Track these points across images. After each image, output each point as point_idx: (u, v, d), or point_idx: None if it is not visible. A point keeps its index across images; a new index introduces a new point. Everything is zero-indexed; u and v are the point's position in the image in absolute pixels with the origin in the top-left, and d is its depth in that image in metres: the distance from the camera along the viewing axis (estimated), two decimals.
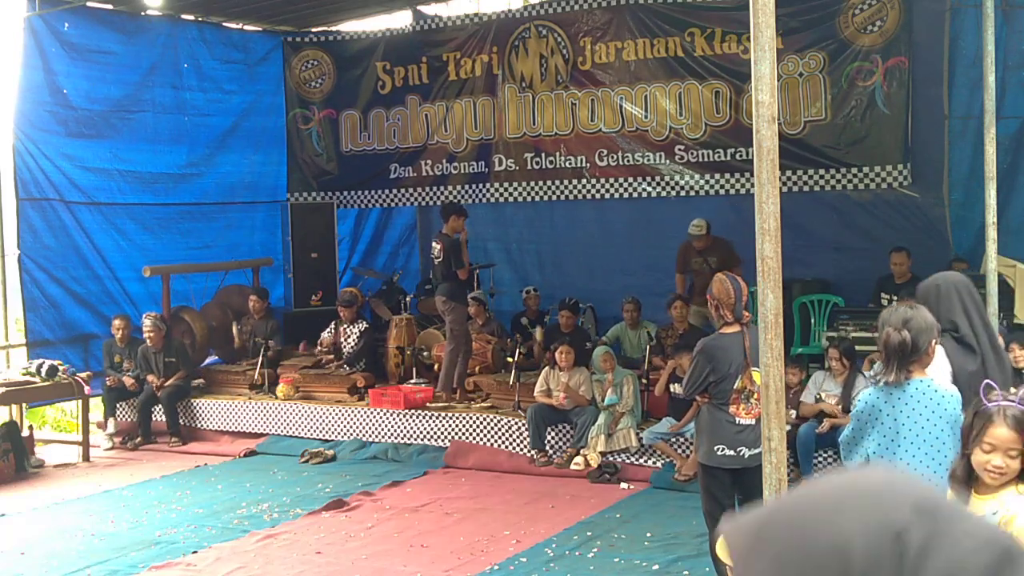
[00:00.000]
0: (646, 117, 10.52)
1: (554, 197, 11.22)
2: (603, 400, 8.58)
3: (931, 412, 3.76)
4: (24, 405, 10.13)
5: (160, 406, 10.32)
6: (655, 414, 8.73)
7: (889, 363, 3.82)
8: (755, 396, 5.25)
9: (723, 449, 5.31)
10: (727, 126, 10.16)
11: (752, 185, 3.01)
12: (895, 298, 8.96)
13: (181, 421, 10.31)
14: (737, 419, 5.30)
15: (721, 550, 3.82)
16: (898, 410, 3.79)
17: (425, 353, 10.51)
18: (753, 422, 5.27)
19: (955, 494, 3.16)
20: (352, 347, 10.45)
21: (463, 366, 9.70)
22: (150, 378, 10.23)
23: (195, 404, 10.45)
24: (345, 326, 10.58)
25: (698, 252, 9.91)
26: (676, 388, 8.45)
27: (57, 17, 10.34)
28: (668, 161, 10.49)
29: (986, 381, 3.30)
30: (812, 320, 9.72)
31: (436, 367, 10.10)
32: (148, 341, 10.27)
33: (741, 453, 5.29)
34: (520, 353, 9.46)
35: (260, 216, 12.58)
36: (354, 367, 10.35)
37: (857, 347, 8.14)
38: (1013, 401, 3.10)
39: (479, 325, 10.57)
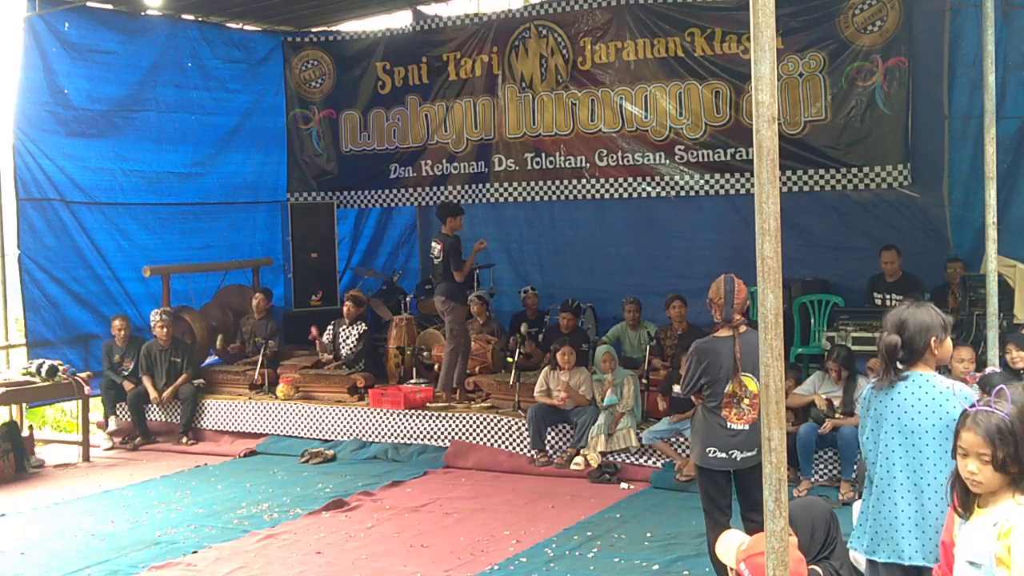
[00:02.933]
0: (646, 117, 10.52)
1: (554, 197, 11.22)
2: (603, 400, 8.58)
3: (924, 406, 3.74)
4: (24, 405, 10.13)
5: (153, 405, 10.34)
6: (655, 414, 8.73)
7: (883, 364, 3.85)
8: (747, 402, 5.26)
9: (715, 452, 5.33)
10: (727, 126, 10.16)
11: (752, 185, 3.01)
12: (888, 297, 8.99)
13: (180, 420, 10.31)
14: (729, 423, 5.31)
15: (721, 550, 3.82)
16: (889, 399, 3.80)
17: (425, 353, 10.51)
18: (746, 427, 5.28)
19: (958, 505, 3.15)
20: (351, 348, 10.44)
21: (463, 366, 9.70)
22: (146, 383, 10.22)
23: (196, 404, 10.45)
24: (345, 326, 10.57)
25: None
26: (677, 389, 8.45)
27: (57, 17, 10.34)
28: (668, 161, 10.49)
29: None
30: (812, 320, 9.71)
31: (436, 367, 10.10)
32: (158, 338, 10.27)
33: (733, 456, 5.31)
34: (520, 353, 9.46)
35: (261, 216, 12.58)
36: (352, 369, 10.34)
37: (857, 347, 8.14)
38: (989, 406, 3.09)
39: (479, 325, 10.57)
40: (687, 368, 5.47)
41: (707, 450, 5.35)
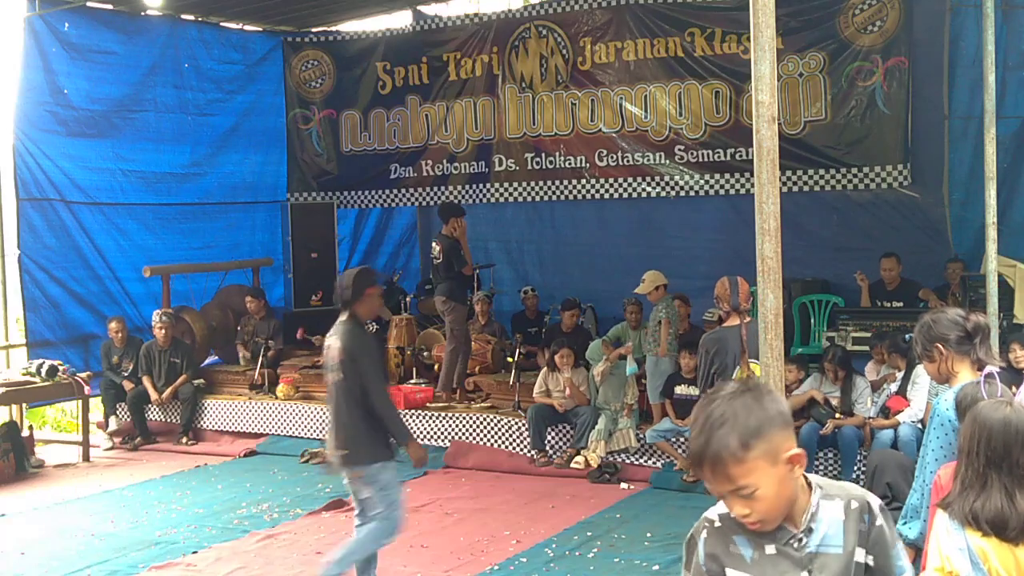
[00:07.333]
0: (646, 117, 10.52)
1: (554, 197, 11.22)
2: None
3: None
4: (24, 405, 10.13)
5: (153, 406, 10.33)
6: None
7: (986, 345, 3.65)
8: None
9: None
10: (727, 126, 10.16)
11: (752, 185, 3.01)
12: (889, 304, 8.98)
13: (180, 420, 10.31)
14: None
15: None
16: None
17: (425, 353, 10.51)
18: None
19: None
20: None
21: (463, 366, 9.70)
22: (146, 384, 10.21)
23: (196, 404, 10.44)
24: None
25: None
26: (680, 390, 8.46)
27: (57, 17, 10.34)
28: (668, 161, 10.49)
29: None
30: (812, 320, 9.72)
31: (436, 367, 10.10)
32: (158, 338, 10.26)
33: None
34: (520, 354, 9.46)
35: (260, 216, 12.57)
36: None
37: (857, 347, 8.13)
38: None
39: (480, 325, 10.57)
40: (698, 363, 5.68)
41: None
